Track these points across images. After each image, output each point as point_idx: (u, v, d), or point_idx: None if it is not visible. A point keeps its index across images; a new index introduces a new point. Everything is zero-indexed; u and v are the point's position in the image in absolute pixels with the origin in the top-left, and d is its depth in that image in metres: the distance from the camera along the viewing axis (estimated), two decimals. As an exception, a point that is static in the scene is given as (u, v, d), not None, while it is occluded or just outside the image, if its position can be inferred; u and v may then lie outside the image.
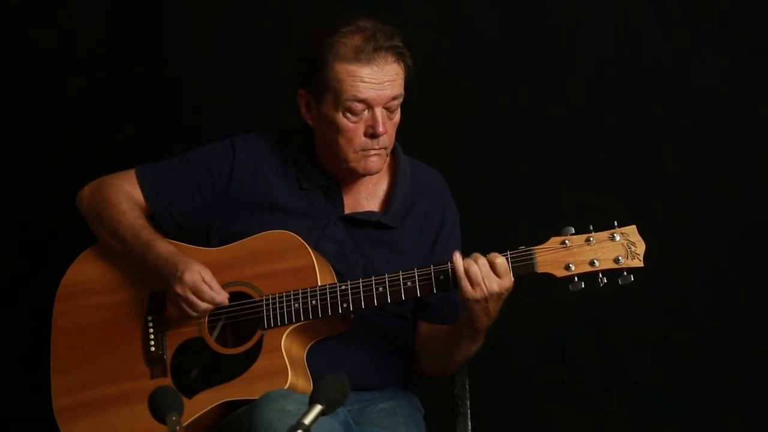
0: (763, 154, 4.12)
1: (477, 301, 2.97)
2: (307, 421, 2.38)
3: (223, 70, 4.27)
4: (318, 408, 2.41)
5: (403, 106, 3.16)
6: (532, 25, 4.16)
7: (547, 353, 4.27)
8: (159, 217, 3.27)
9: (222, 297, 3.11)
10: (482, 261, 2.96)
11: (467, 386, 3.33)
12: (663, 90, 4.14)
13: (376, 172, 3.19)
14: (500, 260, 2.96)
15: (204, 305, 3.10)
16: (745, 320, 4.17)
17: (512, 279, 2.97)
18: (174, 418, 2.43)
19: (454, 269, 2.98)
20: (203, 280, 3.09)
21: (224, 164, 3.25)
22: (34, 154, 4.32)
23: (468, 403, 3.32)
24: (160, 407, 2.46)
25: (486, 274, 2.95)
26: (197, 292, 3.09)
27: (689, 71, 4.13)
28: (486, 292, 2.96)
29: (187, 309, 3.11)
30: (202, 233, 3.26)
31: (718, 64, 4.11)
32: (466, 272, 2.95)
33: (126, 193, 3.27)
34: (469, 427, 3.30)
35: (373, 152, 3.13)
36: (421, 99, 3.33)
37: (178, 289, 3.09)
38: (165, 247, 3.16)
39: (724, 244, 4.14)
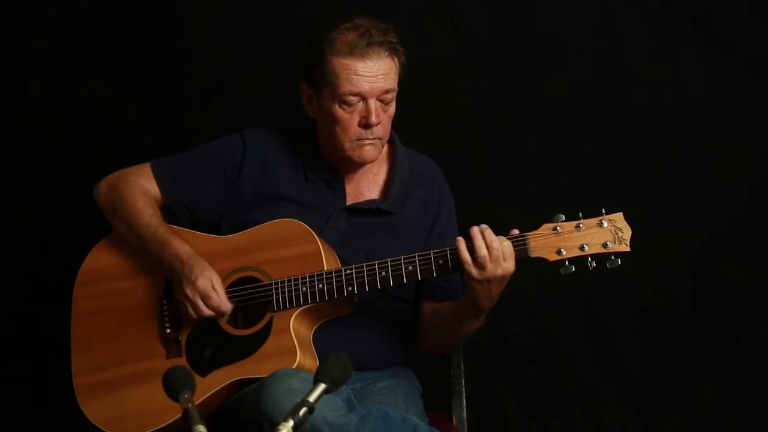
0: (745, 146, 4.19)
1: (480, 282, 3.03)
2: (311, 398, 2.45)
3: (228, 69, 4.32)
4: (322, 386, 2.49)
5: (400, 101, 3.22)
6: (525, 24, 4.22)
7: (539, 334, 4.33)
8: (174, 209, 3.34)
9: (226, 307, 3.18)
10: (495, 244, 3.00)
11: (462, 366, 3.40)
12: (649, 87, 4.20)
13: (371, 161, 3.26)
14: (506, 244, 3.02)
15: (208, 312, 3.17)
16: (728, 304, 4.25)
17: (515, 264, 3.03)
18: (186, 396, 2.49)
19: (457, 255, 3.02)
20: (213, 287, 3.17)
21: (235, 157, 3.32)
22: (34, 152, 4.35)
23: (463, 382, 3.38)
24: (173, 386, 2.52)
25: (495, 258, 3.00)
26: (206, 299, 3.16)
27: (674, 69, 4.19)
28: (490, 274, 3.02)
29: (191, 311, 3.18)
30: (215, 223, 3.33)
31: (701, 61, 4.17)
32: (475, 254, 3.00)
33: (142, 189, 3.32)
34: (464, 404, 3.35)
35: (367, 142, 3.20)
36: (419, 95, 3.40)
37: (189, 292, 3.17)
38: (181, 246, 3.22)
39: (707, 233, 4.21)
